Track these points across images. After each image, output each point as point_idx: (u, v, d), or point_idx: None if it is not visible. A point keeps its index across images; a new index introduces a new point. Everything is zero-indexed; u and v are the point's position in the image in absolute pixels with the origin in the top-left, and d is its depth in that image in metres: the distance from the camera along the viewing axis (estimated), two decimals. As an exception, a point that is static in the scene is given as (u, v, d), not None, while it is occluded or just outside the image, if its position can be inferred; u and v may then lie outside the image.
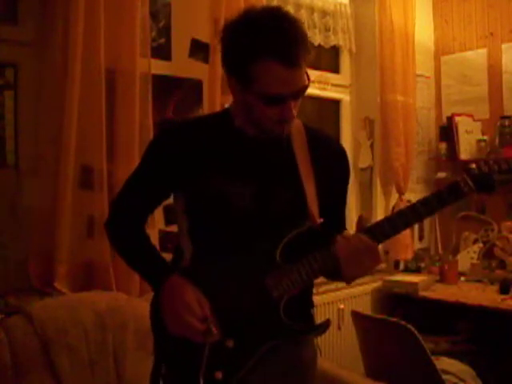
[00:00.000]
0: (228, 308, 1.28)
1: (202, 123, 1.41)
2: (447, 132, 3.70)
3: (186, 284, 1.28)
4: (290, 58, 1.17)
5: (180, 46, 2.51)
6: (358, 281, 3.49)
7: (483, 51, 3.65)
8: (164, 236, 2.35)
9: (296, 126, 1.37)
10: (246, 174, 1.31)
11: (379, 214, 3.48)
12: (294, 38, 1.18)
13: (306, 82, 1.25)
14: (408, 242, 3.40)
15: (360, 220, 2.66)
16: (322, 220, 1.30)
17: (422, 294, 3.15)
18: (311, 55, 1.24)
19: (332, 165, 1.38)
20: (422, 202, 1.27)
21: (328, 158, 1.38)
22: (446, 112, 3.80)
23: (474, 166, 1.26)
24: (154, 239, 2.19)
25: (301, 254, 1.28)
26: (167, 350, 1.35)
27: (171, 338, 1.29)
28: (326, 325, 1.33)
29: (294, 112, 1.24)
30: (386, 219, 1.29)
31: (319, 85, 3.40)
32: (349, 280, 1.33)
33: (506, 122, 3.46)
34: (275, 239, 1.28)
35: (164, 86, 2.45)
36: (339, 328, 3.04)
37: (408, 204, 1.34)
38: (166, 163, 1.34)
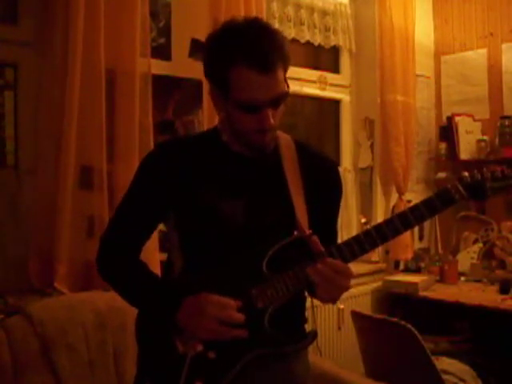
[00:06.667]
0: None
1: (191, 141, 1.42)
2: (447, 132, 3.70)
3: (202, 293, 1.26)
4: (262, 63, 1.18)
5: (180, 45, 2.51)
6: (358, 281, 3.48)
7: (483, 51, 3.65)
8: (164, 236, 2.34)
9: (285, 141, 1.39)
10: (234, 190, 1.32)
11: (379, 214, 3.48)
12: (267, 44, 1.20)
13: (285, 89, 1.24)
14: (408, 242, 3.40)
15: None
16: (311, 231, 1.29)
17: (422, 293, 3.14)
18: (289, 63, 1.25)
19: (322, 179, 1.39)
20: (412, 209, 1.25)
21: (318, 172, 1.39)
22: (446, 112, 3.80)
23: (466, 174, 1.26)
24: (154, 239, 2.19)
25: (289, 265, 1.27)
26: (151, 363, 1.35)
27: (156, 352, 1.31)
28: (311, 336, 1.33)
29: (273, 121, 1.23)
30: (372, 229, 1.26)
31: (319, 85, 3.40)
32: (324, 301, 1.32)
33: (506, 122, 3.46)
34: (263, 250, 1.28)
35: (164, 86, 2.45)
36: (339, 328, 3.04)
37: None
38: (155, 185, 1.34)
